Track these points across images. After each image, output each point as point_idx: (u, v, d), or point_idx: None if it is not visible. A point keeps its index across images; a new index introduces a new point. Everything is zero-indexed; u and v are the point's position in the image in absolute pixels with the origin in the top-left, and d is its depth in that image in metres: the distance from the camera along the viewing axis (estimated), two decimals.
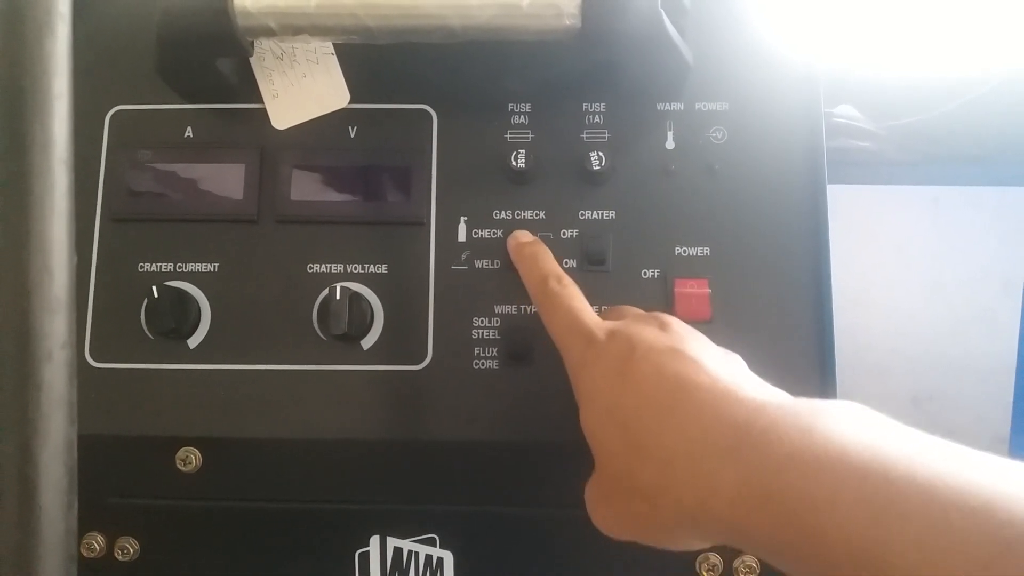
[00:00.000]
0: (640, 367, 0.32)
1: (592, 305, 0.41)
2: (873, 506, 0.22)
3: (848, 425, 0.25)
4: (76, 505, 0.21)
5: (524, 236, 0.42)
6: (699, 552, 0.41)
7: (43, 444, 0.19)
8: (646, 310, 0.41)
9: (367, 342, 0.42)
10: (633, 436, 0.30)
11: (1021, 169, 0.75)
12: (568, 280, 0.38)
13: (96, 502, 0.42)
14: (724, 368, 0.31)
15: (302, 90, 0.43)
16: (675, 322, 0.35)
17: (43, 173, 0.20)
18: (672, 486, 0.28)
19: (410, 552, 0.42)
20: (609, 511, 0.32)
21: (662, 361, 0.31)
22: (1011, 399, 0.82)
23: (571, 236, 0.42)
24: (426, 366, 0.42)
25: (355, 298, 0.41)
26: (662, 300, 0.42)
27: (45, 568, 0.19)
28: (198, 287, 0.42)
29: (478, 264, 0.42)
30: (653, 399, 0.31)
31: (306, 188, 0.43)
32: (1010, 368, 0.82)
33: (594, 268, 0.42)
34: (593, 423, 0.33)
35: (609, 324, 0.35)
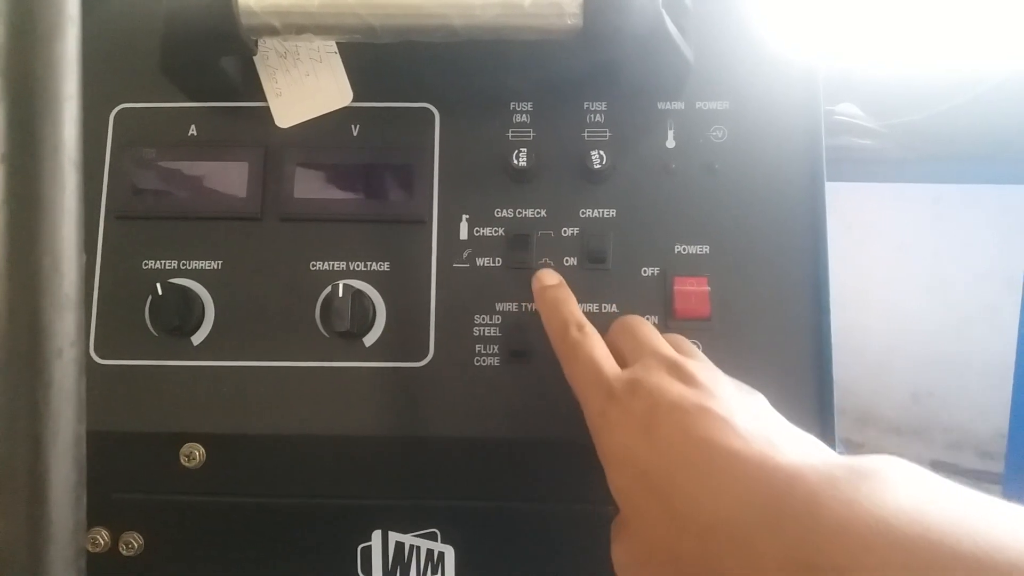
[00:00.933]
0: (667, 427, 0.31)
1: (593, 303, 0.42)
2: None
3: (891, 492, 0.25)
4: (85, 500, 0.21)
5: (548, 278, 0.41)
6: None
7: (53, 440, 0.20)
8: (646, 309, 0.41)
9: (369, 339, 0.42)
10: (669, 502, 0.30)
11: (1022, 167, 0.75)
12: (590, 328, 0.38)
13: (100, 497, 0.42)
14: (753, 424, 0.30)
15: (305, 88, 0.43)
16: (696, 370, 0.34)
17: (53, 174, 0.20)
18: (714, 557, 0.28)
19: (411, 547, 0.43)
20: None
21: (689, 422, 0.31)
22: (1010, 395, 0.82)
23: (572, 234, 0.43)
24: (428, 363, 0.42)
25: (357, 295, 0.41)
26: (662, 298, 0.42)
27: (55, 561, 0.20)
28: (202, 284, 0.43)
29: (479, 262, 0.43)
30: (685, 463, 0.30)
31: (309, 186, 0.43)
32: (1009, 364, 0.82)
33: (595, 266, 0.42)
34: (624, 487, 0.32)
35: (629, 376, 0.34)
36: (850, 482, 0.26)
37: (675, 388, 0.32)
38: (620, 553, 0.33)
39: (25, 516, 0.20)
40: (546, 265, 0.43)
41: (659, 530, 0.30)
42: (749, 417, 0.31)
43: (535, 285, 0.41)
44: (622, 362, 0.36)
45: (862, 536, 0.24)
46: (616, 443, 0.32)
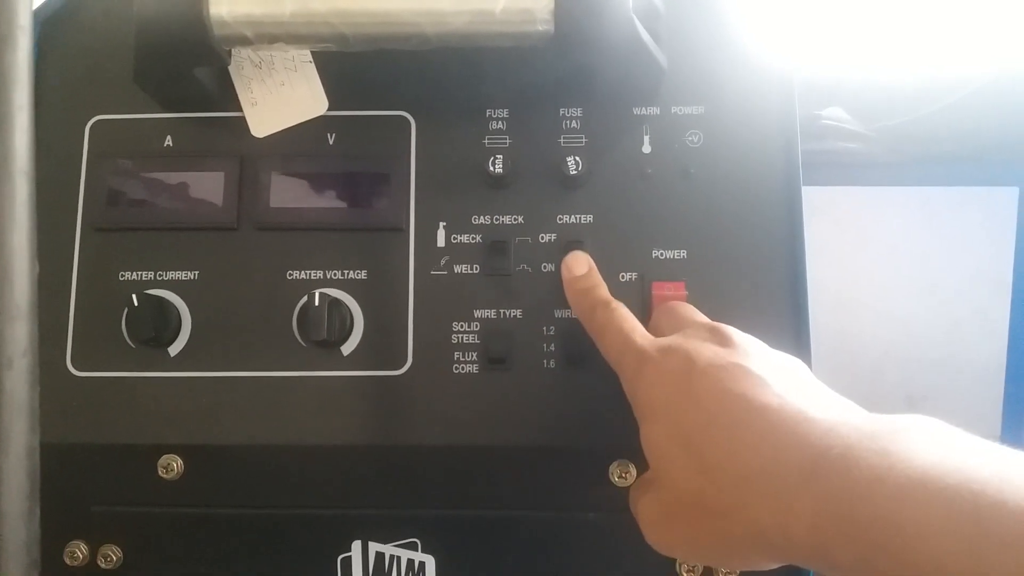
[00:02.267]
0: (702, 384, 0.31)
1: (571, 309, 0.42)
2: (966, 534, 0.22)
3: (928, 445, 0.25)
4: (38, 512, 0.21)
5: (578, 267, 0.41)
6: None
7: (4, 451, 0.20)
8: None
9: (347, 348, 0.42)
10: (701, 455, 0.30)
11: (1009, 168, 0.75)
12: (616, 304, 0.38)
13: (79, 510, 0.42)
14: (789, 384, 0.31)
15: (281, 98, 0.43)
16: (734, 333, 0.34)
17: (2, 184, 0.20)
18: (746, 505, 0.28)
19: (392, 556, 0.42)
20: (672, 531, 0.32)
21: (724, 378, 0.31)
22: (1001, 397, 0.82)
23: (549, 240, 0.43)
24: (406, 371, 0.42)
25: (334, 304, 0.41)
26: (640, 303, 0.42)
27: (7, 574, 0.20)
28: (178, 295, 0.42)
29: (457, 269, 0.43)
30: (719, 417, 0.30)
31: (285, 195, 0.43)
32: (1001, 367, 0.82)
33: None
34: (656, 441, 0.32)
35: (663, 340, 0.35)
36: (886, 436, 0.26)
37: (709, 348, 0.33)
38: (646, 506, 0.33)
39: None
40: (524, 272, 0.43)
41: (689, 482, 0.30)
42: (785, 377, 0.31)
43: (565, 275, 0.41)
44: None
45: (901, 486, 0.24)
46: (651, 398, 0.33)
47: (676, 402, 0.31)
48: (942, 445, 0.25)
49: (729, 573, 0.41)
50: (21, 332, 0.20)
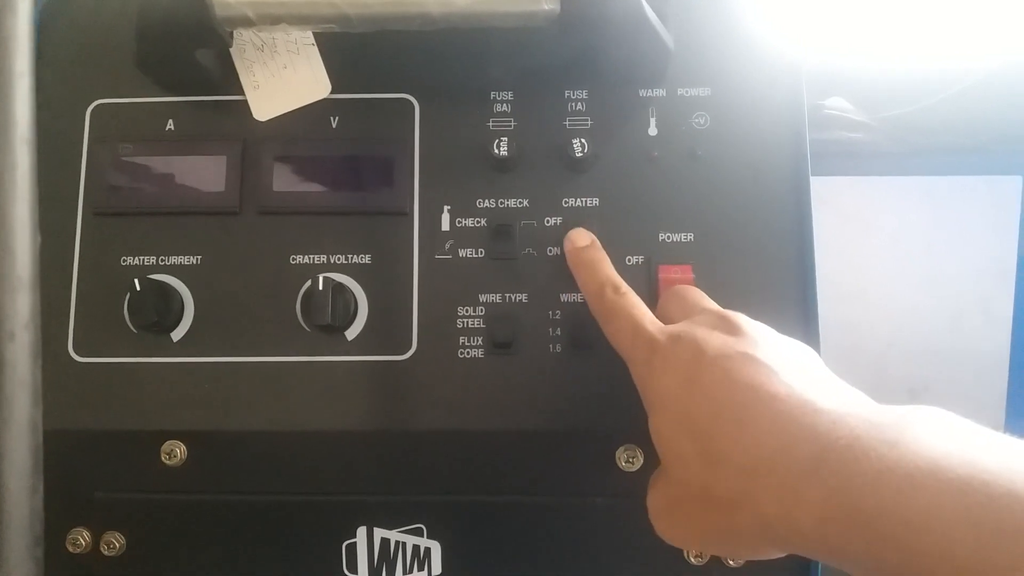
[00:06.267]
0: (710, 373, 0.31)
1: (577, 293, 0.42)
2: (977, 524, 0.22)
3: (937, 436, 0.25)
4: (41, 487, 0.21)
5: (581, 239, 0.41)
6: None
7: (6, 425, 0.19)
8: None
9: (351, 333, 0.42)
10: (708, 445, 0.30)
11: (1013, 158, 0.75)
12: (626, 288, 0.38)
13: (81, 497, 0.42)
14: (798, 374, 0.30)
15: (283, 81, 0.43)
16: (743, 321, 0.33)
17: (4, 152, 0.19)
18: (752, 497, 0.27)
19: (397, 543, 0.42)
20: (679, 521, 0.32)
21: (733, 367, 0.30)
22: (1005, 389, 0.82)
23: (555, 223, 0.42)
24: (411, 356, 0.41)
25: (338, 289, 0.40)
26: (646, 286, 0.41)
27: (11, 549, 0.19)
28: (181, 280, 0.42)
29: (462, 253, 0.42)
30: (727, 407, 0.30)
31: (288, 179, 0.43)
32: (1004, 358, 0.82)
33: None
34: (664, 431, 0.32)
35: (673, 328, 0.34)
36: (894, 426, 0.25)
37: (719, 337, 0.32)
38: (655, 498, 0.33)
39: None
40: (529, 256, 0.42)
41: (697, 472, 0.30)
42: (794, 367, 0.31)
43: (567, 246, 0.41)
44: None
45: (910, 476, 0.23)
46: (660, 388, 0.32)
47: (684, 392, 0.31)
48: (951, 436, 0.25)
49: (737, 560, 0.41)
50: (23, 304, 0.20)
